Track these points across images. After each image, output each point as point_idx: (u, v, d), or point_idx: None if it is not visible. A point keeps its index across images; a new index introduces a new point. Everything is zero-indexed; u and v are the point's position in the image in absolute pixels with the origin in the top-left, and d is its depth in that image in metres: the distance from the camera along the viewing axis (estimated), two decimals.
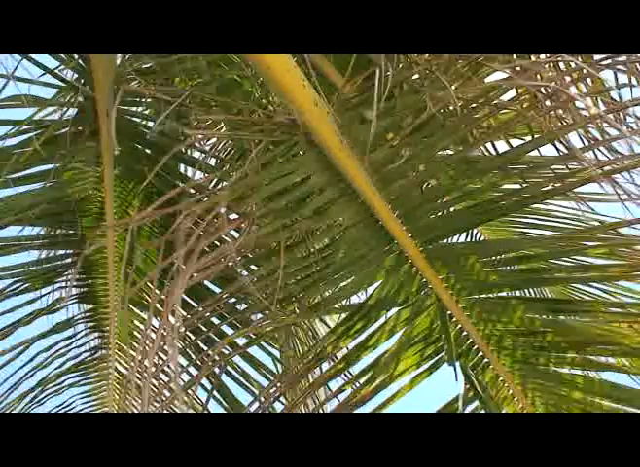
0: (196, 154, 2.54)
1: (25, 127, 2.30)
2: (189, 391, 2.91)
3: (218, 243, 2.12)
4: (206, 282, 2.45)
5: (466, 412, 2.23)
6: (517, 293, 2.29)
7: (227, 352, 2.44)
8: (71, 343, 3.15)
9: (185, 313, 2.33)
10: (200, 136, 2.17)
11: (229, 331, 2.54)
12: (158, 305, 2.35)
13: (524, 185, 2.13)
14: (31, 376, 3.12)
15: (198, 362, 2.43)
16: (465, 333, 2.21)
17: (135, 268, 2.46)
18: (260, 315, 2.22)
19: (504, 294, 2.19)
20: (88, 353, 3.21)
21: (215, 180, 2.00)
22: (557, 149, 2.25)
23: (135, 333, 2.94)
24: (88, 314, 3.03)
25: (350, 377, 2.21)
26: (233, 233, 2.23)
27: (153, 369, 2.73)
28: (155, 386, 2.75)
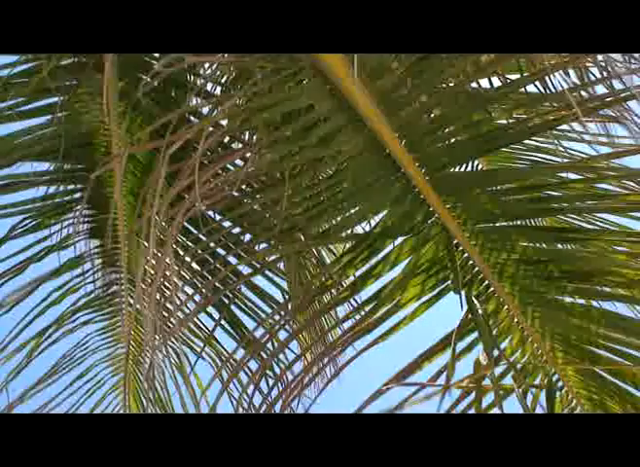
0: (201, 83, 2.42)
1: (28, 57, 2.19)
2: (198, 323, 2.87)
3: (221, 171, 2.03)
4: (212, 214, 2.37)
5: (469, 339, 2.18)
6: (523, 222, 2.20)
7: (232, 282, 2.37)
8: (83, 280, 3.10)
9: (191, 245, 2.25)
10: (203, 61, 2.05)
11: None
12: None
13: (530, 114, 2.03)
14: (45, 313, 3.07)
15: (206, 292, 2.36)
16: (470, 262, 2.13)
17: (143, 200, 2.37)
18: (265, 245, 2.14)
19: (510, 223, 2.10)
20: (101, 289, 3.16)
21: (219, 107, 1.89)
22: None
23: (146, 267, 2.86)
24: (98, 250, 2.96)
25: (357, 304, 2.14)
26: (238, 161, 2.14)
27: (161, 301, 2.68)
28: (165, 318, 2.70)
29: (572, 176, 2.18)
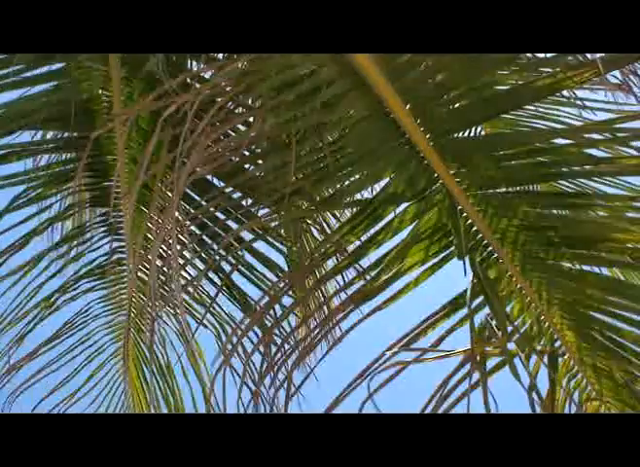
0: None
1: None
2: (198, 289, 2.85)
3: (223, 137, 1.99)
4: (214, 179, 2.34)
5: (472, 306, 2.16)
6: (526, 188, 2.16)
7: (234, 247, 2.34)
8: (86, 248, 3.07)
9: (193, 210, 2.22)
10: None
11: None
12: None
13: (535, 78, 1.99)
14: (47, 282, 3.05)
15: (206, 258, 2.33)
16: (475, 228, 2.11)
17: (145, 167, 2.33)
18: (267, 210, 2.10)
19: (513, 189, 2.07)
20: (104, 257, 3.13)
21: (222, 71, 1.85)
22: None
23: (149, 235, 2.83)
24: (101, 218, 2.93)
25: (360, 270, 2.12)
26: (241, 126, 2.10)
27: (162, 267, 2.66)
28: (165, 284, 2.68)
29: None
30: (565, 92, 2.28)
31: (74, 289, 3.19)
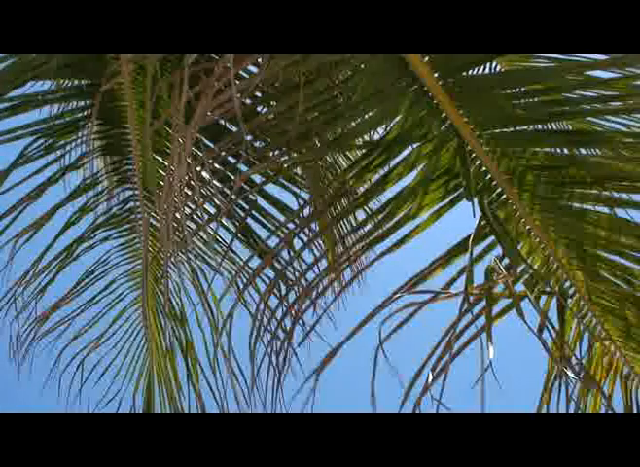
0: None
1: None
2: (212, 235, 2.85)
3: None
4: (225, 123, 2.30)
5: (481, 247, 2.14)
6: (539, 127, 2.12)
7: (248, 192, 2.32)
8: (100, 198, 3.06)
9: (206, 156, 2.19)
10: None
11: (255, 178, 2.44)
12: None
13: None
14: (64, 233, 3.05)
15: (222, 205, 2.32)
16: (483, 168, 2.07)
17: (155, 113, 2.30)
18: (279, 152, 2.07)
19: (526, 128, 2.02)
20: (118, 206, 3.13)
21: None
22: None
23: (162, 182, 2.81)
24: (113, 167, 2.91)
25: (371, 211, 2.09)
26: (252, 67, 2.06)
27: (177, 215, 2.65)
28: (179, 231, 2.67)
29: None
30: None
31: (91, 238, 3.19)
